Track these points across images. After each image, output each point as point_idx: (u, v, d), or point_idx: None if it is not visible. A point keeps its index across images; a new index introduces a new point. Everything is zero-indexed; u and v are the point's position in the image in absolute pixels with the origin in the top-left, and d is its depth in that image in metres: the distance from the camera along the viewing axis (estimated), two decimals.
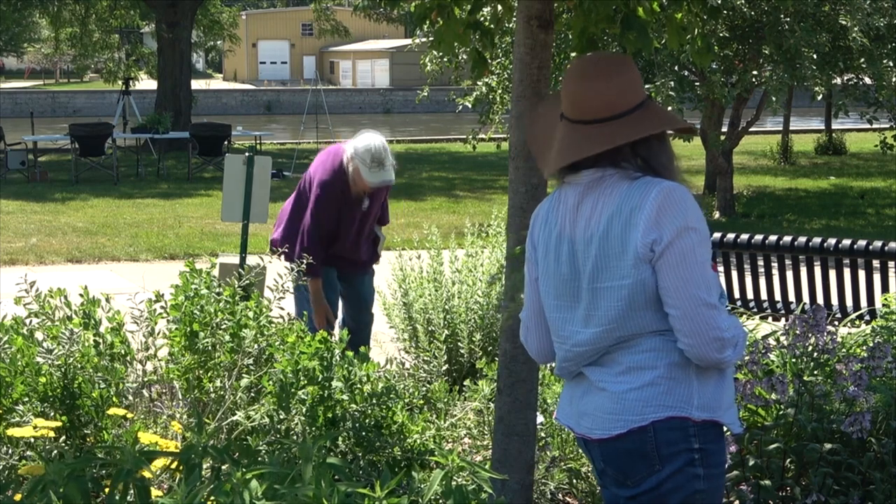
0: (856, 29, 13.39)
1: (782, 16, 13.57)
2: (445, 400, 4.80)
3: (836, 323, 7.14)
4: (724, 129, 16.40)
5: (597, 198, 2.98)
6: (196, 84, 32.84)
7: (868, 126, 16.33)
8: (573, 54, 4.09)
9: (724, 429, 3.04)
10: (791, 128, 26.03)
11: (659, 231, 2.88)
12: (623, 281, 2.93)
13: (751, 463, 4.36)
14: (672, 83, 12.89)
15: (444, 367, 5.75)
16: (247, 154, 6.68)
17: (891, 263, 7.75)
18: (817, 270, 7.80)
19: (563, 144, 3.02)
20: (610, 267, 2.95)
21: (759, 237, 7.94)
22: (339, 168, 6.17)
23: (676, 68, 13.39)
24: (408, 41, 28.79)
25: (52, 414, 4.05)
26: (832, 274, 7.78)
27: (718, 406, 2.98)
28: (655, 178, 2.95)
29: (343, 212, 6.21)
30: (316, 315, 6.12)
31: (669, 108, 12.09)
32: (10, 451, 3.90)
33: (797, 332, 4.45)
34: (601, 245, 2.96)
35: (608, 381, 3.01)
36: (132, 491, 2.90)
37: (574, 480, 4.77)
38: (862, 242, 7.61)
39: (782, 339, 4.70)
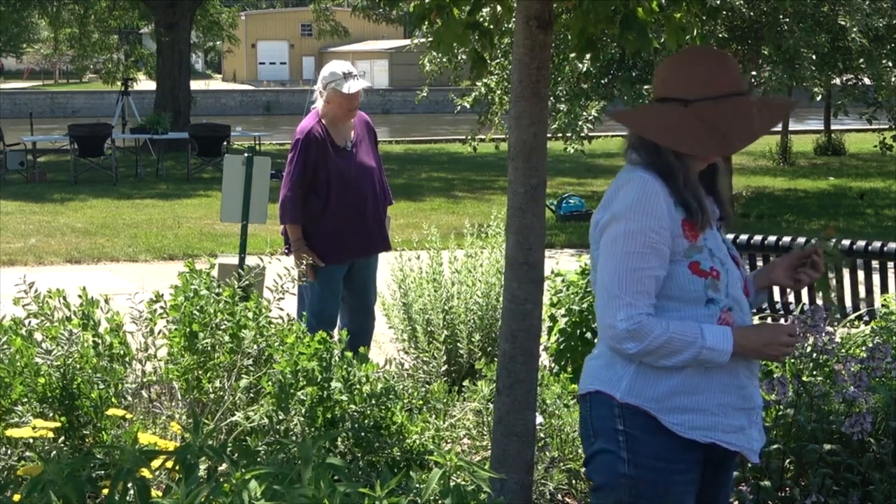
0: (855, 29, 13.39)
1: (781, 16, 13.58)
2: (444, 400, 4.79)
3: (836, 323, 7.14)
4: None
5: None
6: (195, 85, 32.82)
7: (867, 126, 16.34)
8: (572, 55, 4.09)
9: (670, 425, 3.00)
10: (790, 128, 26.02)
11: (601, 214, 3.04)
12: (592, 254, 3.12)
13: (750, 464, 4.36)
14: None
15: (444, 368, 5.75)
16: (246, 154, 6.68)
17: (890, 264, 7.75)
18: None
19: None
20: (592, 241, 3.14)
21: (758, 238, 7.94)
22: (312, 118, 6.38)
23: None
24: (407, 42, 28.80)
25: (51, 414, 4.05)
26: (831, 275, 7.77)
27: (655, 399, 2.98)
28: (640, 167, 3.03)
29: (329, 159, 6.29)
30: (296, 258, 6.20)
31: None
32: (9, 452, 3.89)
33: (796, 332, 4.44)
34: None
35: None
36: (132, 491, 2.90)
37: (573, 481, 4.77)
38: (861, 243, 7.61)
39: None
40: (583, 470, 4.76)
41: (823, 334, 4.41)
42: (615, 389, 3.00)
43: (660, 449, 3.00)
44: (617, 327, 2.93)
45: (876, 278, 7.63)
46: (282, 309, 4.52)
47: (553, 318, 6.02)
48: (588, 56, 4.27)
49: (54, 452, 3.89)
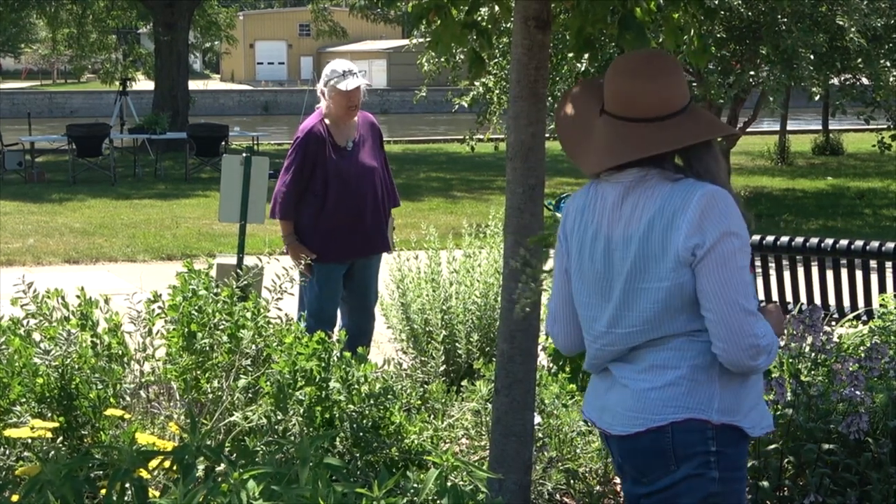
0: (853, 29, 13.39)
1: (779, 16, 13.57)
2: (443, 400, 4.79)
3: (834, 323, 7.14)
4: None
5: (637, 198, 2.97)
6: (193, 85, 32.82)
7: (865, 126, 16.32)
8: (571, 55, 4.10)
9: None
10: (788, 128, 26.02)
11: (702, 235, 2.88)
12: (661, 283, 2.94)
13: (748, 464, 4.36)
14: None
15: (442, 368, 5.75)
16: (244, 154, 6.67)
17: (888, 264, 7.75)
18: (815, 271, 7.80)
19: (606, 143, 3.01)
20: (649, 269, 2.95)
21: (756, 237, 7.94)
22: (315, 117, 6.40)
23: None
24: (405, 42, 28.77)
25: (50, 415, 4.05)
26: (829, 274, 7.78)
27: (739, 410, 2.97)
28: (697, 181, 2.95)
29: (328, 158, 6.30)
30: (291, 254, 6.25)
31: None
32: (7, 452, 3.89)
33: (794, 332, 4.45)
34: (641, 246, 2.95)
35: (631, 378, 3.02)
36: (129, 491, 2.90)
37: (571, 481, 4.77)
38: (859, 243, 7.61)
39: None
40: (581, 470, 4.77)
41: (822, 334, 4.42)
42: (709, 413, 2.94)
43: (740, 456, 3.02)
44: (760, 345, 2.89)
45: (873, 278, 7.63)
46: (280, 309, 4.52)
47: None
48: (586, 56, 4.27)
49: (52, 453, 3.89)
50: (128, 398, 4.27)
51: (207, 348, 4.32)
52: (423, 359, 6.33)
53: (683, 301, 2.93)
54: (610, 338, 3.04)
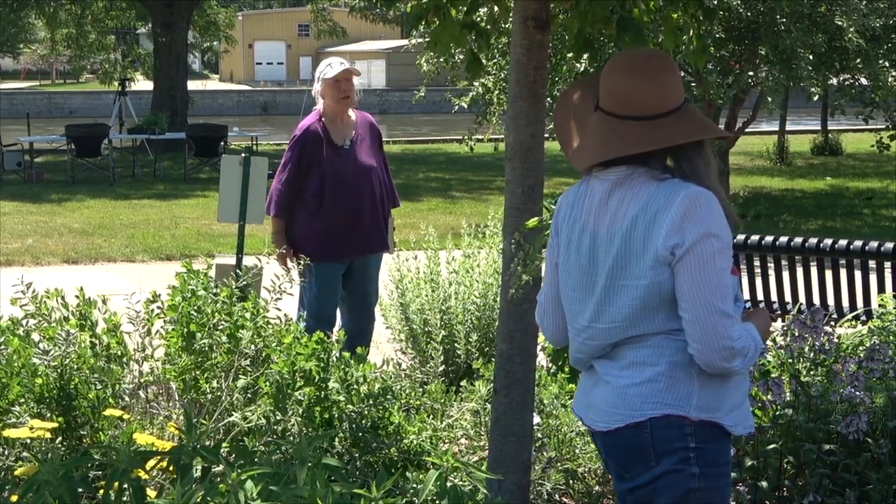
0: (852, 30, 13.40)
1: (778, 17, 13.58)
2: (442, 401, 4.79)
3: (833, 324, 7.14)
4: None
5: (623, 195, 2.99)
6: (192, 85, 32.82)
7: (864, 126, 16.33)
8: (570, 55, 4.10)
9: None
10: (787, 128, 26.02)
11: (681, 235, 2.89)
12: (640, 281, 2.95)
13: (748, 464, 4.36)
14: None
15: (441, 368, 5.75)
16: (243, 155, 6.67)
17: (887, 264, 7.75)
18: (814, 271, 7.80)
19: (599, 139, 3.02)
20: (630, 266, 2.97)
21: (755, 238, 7.94)
22: (313, 116, 6.42)
23: None
24: (404, 42, 28.79)
25: (49, 415, 4.04)
26: (828, 274, 7.78)
27: (719, 408, 2.98)
28: (684, 181, 2.96)
29: (324, 157, 6.31)
30: (277, 256, 6.20)
31: None
32: (6, 453, 3.89)
33: (794, 332, 4.45)
34: (623, 243, 2.97)
35: (612, 375, 3.05)
36: (127, 491, 2.90)
37: (571, 481, 4.77)
38: (858, 243, 7.61)
39: (779, 339, 4.71)
40: (580, 470, 4.77)
41: (822, 334, 4.42)
42: (686, 409, 2.96)
43: (722, 453, 3.03)
44: (734, 347, 2.89)
45: (872, 278, 7.64)
46: (279, 309, 4.52)
47: None
48: (585, 56, 4.28)
49: (50, 453, 3.88)
50: (127, 398, 4.26)
51: (206, 348, 4.32)
52: (422, 359, 6.33)
53: (661, 299, 2.95)
54: (591, 332, 3.06)
